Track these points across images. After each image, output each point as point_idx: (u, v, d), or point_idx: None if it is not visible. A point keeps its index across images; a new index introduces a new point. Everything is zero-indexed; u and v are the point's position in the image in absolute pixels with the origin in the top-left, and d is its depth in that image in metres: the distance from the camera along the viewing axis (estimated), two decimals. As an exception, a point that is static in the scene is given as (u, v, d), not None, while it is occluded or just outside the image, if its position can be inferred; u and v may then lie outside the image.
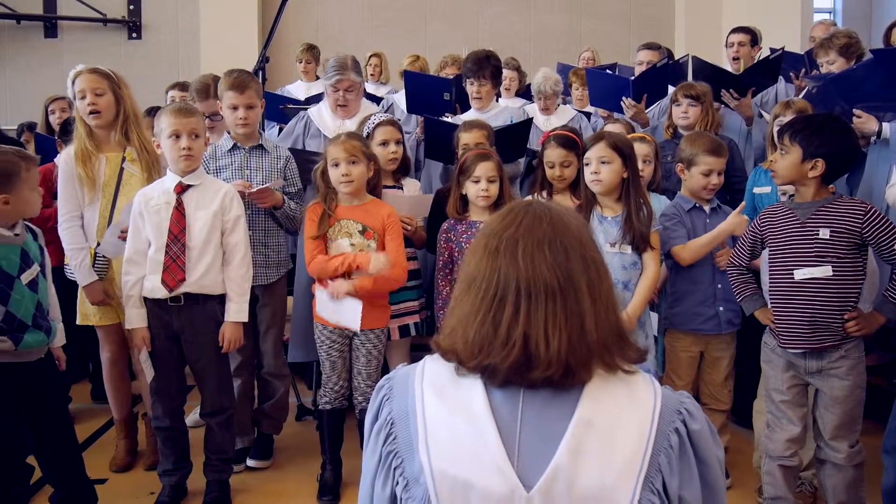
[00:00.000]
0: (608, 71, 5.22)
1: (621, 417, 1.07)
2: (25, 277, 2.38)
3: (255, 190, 2.95)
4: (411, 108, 4.05)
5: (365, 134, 3.15)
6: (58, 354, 2.63)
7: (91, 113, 2.93)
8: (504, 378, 1.07)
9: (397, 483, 1.12)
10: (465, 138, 3.24)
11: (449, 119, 3.83)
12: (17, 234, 2.41)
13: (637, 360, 1.12)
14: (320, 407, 2.96)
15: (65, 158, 2.96)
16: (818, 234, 2.39)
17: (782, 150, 2.47)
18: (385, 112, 3.86)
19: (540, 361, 1.05)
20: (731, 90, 3.90)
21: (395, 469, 1.12)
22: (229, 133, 3.17)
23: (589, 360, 1.08)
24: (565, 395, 1.07)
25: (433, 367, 1.16)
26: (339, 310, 2.80)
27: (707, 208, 3.01)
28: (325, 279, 2.82)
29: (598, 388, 1.08)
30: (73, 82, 2.97)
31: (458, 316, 1.12)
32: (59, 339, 2.62)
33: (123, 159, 2.97)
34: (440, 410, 1.10)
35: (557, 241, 1.11)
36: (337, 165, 2.81)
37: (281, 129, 4.53)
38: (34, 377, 2.47)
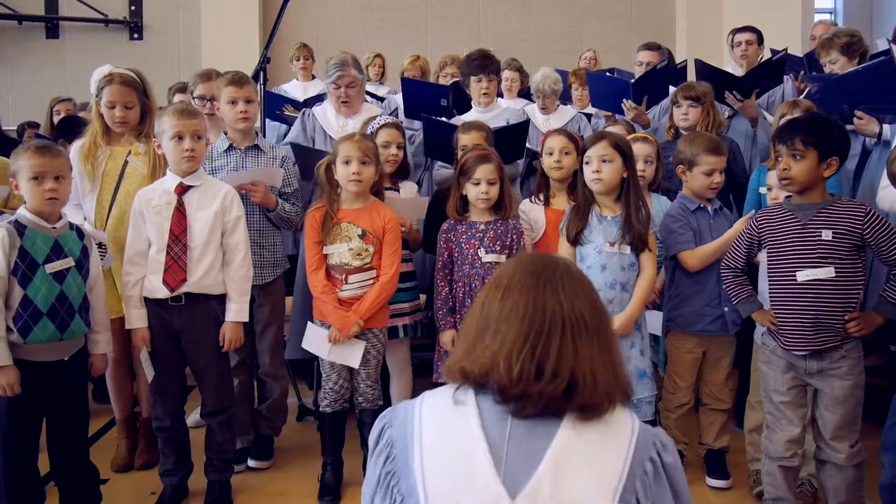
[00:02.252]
0: (607, 73, 5.23)
1: (599, 442, 1.15)
2: (51, 268, 2.44)
3: (248, 180, 2.98)
4: (409, 114, 4.09)
5: (368, 133, 3.15)
6: (95, 362, 2.66)
7: (119, 123, 3.02)
8: (542, 407, 1.15)
9: (394, 500, 1.20)
10: (464, 139, 3.24)
11: (444, 119, 3.84)
12: (53, 228, 2.49)
13: (627, 399, 1.22)
14: (321, 409, 2.95)
15: (74, 150, 3.05)
16: (820, 236, 2.38)
17: (795, 156, 2.41)
18: (388, 113, 3.86)
19: (583, 393, 1.15)
20: (734, 92, 3.90)
21: (392, 487, 1.21)
22: (226, 133, 3.18)
23: (618, 391, 1.18)
24: (549, 420, 1.16)
25: (432, 401, 1.25)
26: (340, 348, 2.82)
27: (710, 209, 3.01)
28: (321, 310, 2.85)
29: (579, 417, 1.16)
30: (102, 89, 3.01)
31: (494, 346, 1.18)
32: (102, 346, 2.68)
33: (129, 153, 3.02)
34: (436, 432, 1.20)
35: (584, 284, 1.23)
36: (348, 163, 2.79)
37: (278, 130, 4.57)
38: (51, 379, 2.49)
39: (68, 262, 2.49)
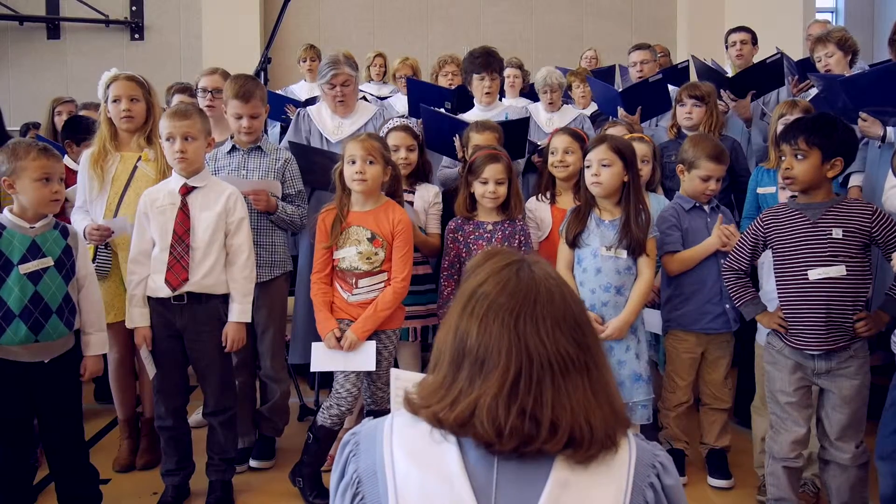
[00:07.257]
0: (608, 76, 5.24)
1: (597, 475, 1.05)
2: (25, 268, 2.40)
3: (249, 189, 2.96)
4: (413, 114, 4.07)
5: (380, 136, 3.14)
6: (87, 364, 2.59)
7: (124, 117, 3.03)
8: (543, 456, 1.03)
9: None
10: (477, 139, 3.22)
11: (444, 111, 3.82)
12: (32, 227, 2.45)
13: (627, 428, 1.12)
14: (324, 421, 2.78)
15: (84, 157, 3.09)
16: (831, 234, 2.38)
17: (798, 155, 2.41)
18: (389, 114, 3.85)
19: (583, 445, 1.03)
20: (727, 91, 3.90)
21: None
22: (231, 137, 3.18)
23: (619, 426, 1.08)
24: (541, 456, 1.05)
25: (402, 423, 1.12)
26: (351, 356, 2.74)
27: (707, 208, 3.01)
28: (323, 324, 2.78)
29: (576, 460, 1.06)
30: (108, 86, 3.04)
31: (471, 392, 1.04)
32: (95, 347, 2.61)
33: (139, 158, 3.04)
34: (411, 470, 1.06)
35: (565, 310, 1.08)
36: (353, 163, 2.74)
37: (282, 129, 4.55)
38: (33, 381, 2.46)
39: (46, 262, 2.44)
